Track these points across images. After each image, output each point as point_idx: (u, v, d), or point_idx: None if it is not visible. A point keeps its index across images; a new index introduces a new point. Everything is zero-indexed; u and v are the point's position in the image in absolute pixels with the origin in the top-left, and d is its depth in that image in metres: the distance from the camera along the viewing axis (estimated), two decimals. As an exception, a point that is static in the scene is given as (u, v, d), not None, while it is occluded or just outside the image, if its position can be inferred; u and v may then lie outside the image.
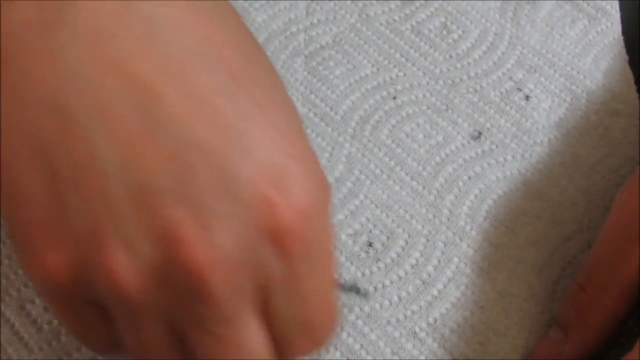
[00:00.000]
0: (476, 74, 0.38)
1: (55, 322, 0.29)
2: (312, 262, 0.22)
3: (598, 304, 0.27)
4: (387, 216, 0.33)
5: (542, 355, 0.28)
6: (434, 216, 0.33)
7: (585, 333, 0.27)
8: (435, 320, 0.30)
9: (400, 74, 0.38)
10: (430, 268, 0.31)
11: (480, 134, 0.35)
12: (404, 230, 0.32)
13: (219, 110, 0.20)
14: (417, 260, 0.31)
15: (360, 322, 0.30)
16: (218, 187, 0.20)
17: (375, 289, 0.31)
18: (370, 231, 0.32)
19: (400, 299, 0.30)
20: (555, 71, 0.38)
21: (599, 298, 0.27)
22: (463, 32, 0.39)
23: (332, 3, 0.40)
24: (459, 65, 0.38)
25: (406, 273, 0.31)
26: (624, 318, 0.27)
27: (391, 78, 0.37)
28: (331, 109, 0.36)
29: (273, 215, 0.20)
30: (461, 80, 0.37)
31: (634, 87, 0.37)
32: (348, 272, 0.31)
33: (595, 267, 0.28)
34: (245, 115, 0.21)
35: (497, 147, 0.35)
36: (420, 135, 0.35)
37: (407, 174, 0.34)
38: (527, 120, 0.36)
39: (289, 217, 0.20)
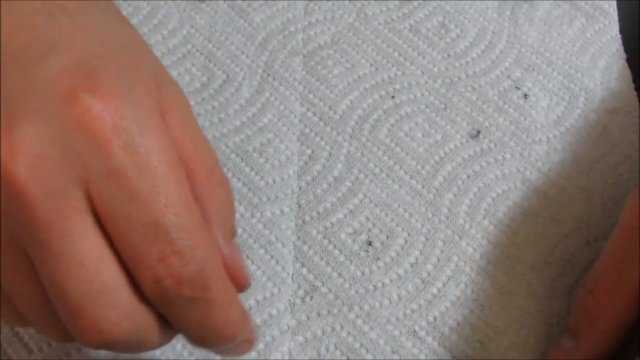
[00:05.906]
0: (474, 72, 0.38)
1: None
2: (135, 154, 0.20)
3: (608, 309, 0.27)
4: (387, 215, 0.33)
5: None
6: (433, 215, 0.33)
7: (596, 338, 0.27)
8: (435, 319, 0.30)
9: (399, 73, 0.38)
10: (429, 267, 0.31)
11: (478, 132, 0.35)
12: (403, 229, 0.32)
13: (35, 24, 0.22)
14: (416, 258, 0.31)
15: (360, 320, 0.30)
16: (25, 85, 0.21)
17: (375, 287, 0.31)
18: (369, 230, 0.32)
19: (400, 298, 0.30)
20: (553, 70, 0.38)
21: (609, 303, 0.27)
22: (461, 31, 0.39)
23: (330, 2, 0.40)
24: (457, 64, 0.38)
25: (406, 272, 0.31)
26: (634, 322, 0.27)
27: (390, 77, 0.37)
28: (330, 109, 0.36)
29: (80, 106, 0.20)
30: (459, 79, 0.37)
31: (632, 86, 0.37)
32: (348, 271, 0.31)
33: (605, 272, 0.28)
34: (59, 28, 0.22)
35: (495, 145, 0.35)
36: (419, 134, 0.35)
37: (406, 173, 0.34)
38: (525, 119, 0.36)
39: (98, 109, 0.20)
